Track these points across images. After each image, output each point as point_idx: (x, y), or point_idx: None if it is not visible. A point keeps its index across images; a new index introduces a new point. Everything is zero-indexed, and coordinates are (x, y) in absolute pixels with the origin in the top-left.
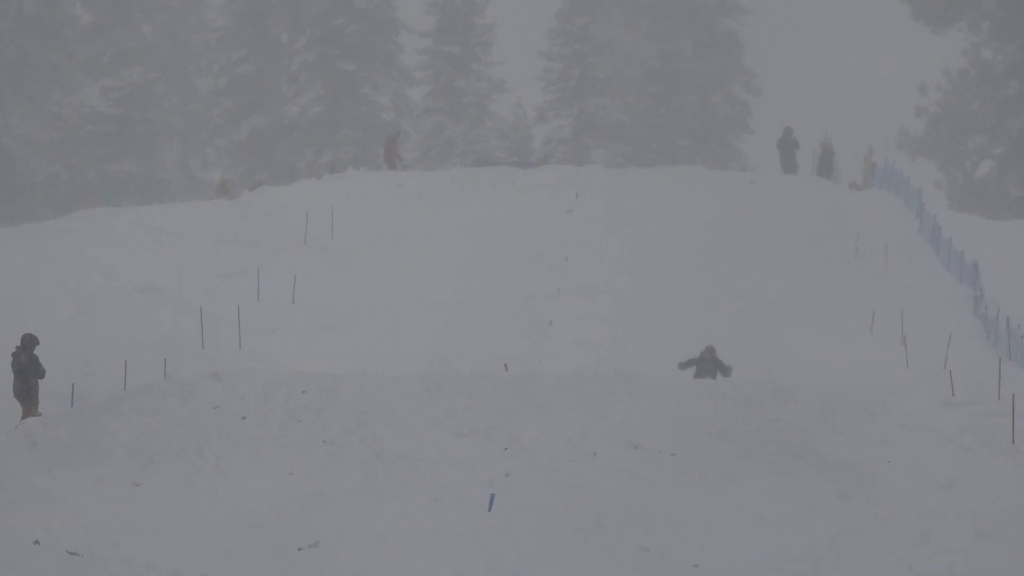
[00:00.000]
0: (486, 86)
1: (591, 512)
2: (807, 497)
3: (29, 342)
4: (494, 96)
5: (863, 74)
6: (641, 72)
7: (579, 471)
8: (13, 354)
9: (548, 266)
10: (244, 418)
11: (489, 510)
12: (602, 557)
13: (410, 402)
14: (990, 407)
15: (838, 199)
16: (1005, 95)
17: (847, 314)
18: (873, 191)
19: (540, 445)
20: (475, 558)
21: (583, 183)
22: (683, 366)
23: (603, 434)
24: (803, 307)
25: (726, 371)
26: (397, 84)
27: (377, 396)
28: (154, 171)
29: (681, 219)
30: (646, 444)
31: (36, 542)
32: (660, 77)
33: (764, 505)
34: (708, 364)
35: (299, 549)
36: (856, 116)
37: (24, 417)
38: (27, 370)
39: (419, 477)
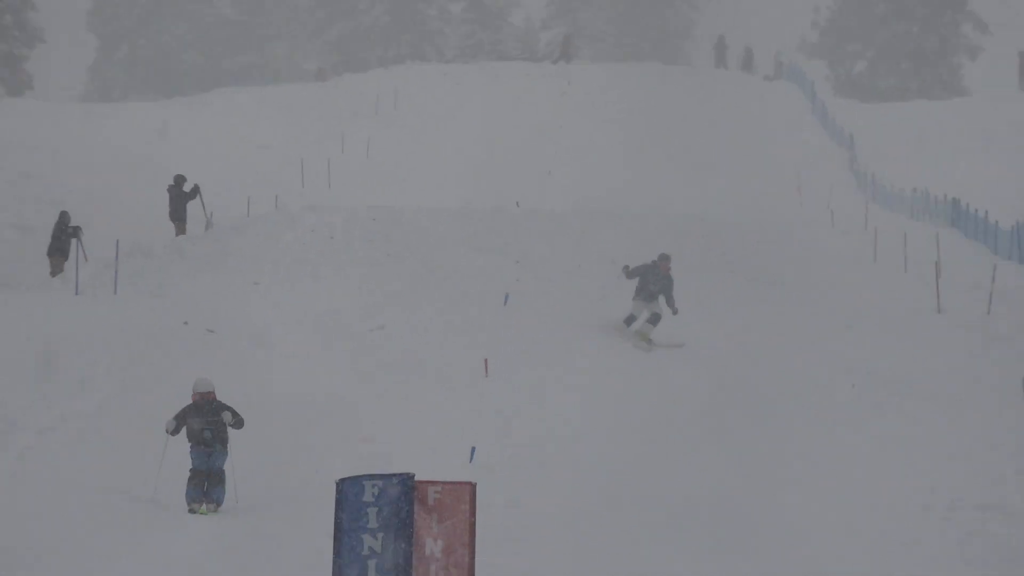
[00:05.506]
0: (506, 2)
1: (577, 304)
2: (744, 292)
3: (180, 180)
4: (512, 10)
5: None
6: None
7: (569, 279)
8: (168, 188)
9: (547, 132)
10: (332, 238)
11: (504, 305)
12: (586, 332)
13: (447, 228)
14: (860, 236)
15: (755, 88)
16: (876, 12)
17: (756, 167)
18: (780, 83)
19: (542, 260)
20: (492, 344)
21: (574, 73)
22: (630, 275)
23: (588, 253)
24: (723, 159)
25: (668, 288)
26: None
27: (425, 223)
28: (269, 62)
29: (646, 99)
30: (619, 259)
31: (185, 323)
32: None
33: (705, 297)
34: (657, 278)
35: (369, 331)
36: (768, 27)
37: (177, 235)
38: (178, 200)
39: (452, 281)
